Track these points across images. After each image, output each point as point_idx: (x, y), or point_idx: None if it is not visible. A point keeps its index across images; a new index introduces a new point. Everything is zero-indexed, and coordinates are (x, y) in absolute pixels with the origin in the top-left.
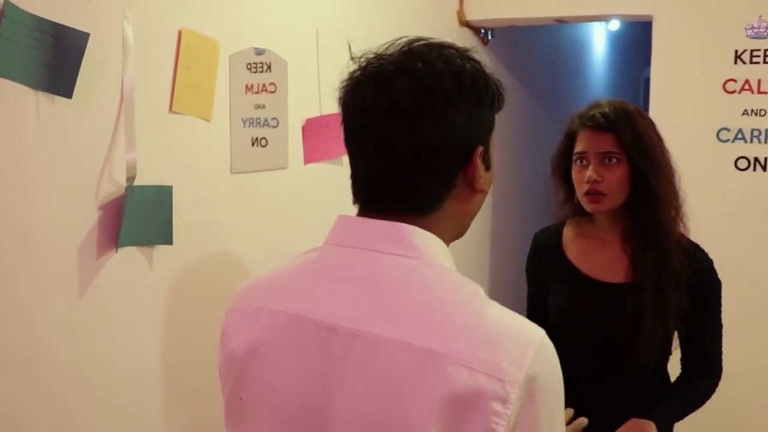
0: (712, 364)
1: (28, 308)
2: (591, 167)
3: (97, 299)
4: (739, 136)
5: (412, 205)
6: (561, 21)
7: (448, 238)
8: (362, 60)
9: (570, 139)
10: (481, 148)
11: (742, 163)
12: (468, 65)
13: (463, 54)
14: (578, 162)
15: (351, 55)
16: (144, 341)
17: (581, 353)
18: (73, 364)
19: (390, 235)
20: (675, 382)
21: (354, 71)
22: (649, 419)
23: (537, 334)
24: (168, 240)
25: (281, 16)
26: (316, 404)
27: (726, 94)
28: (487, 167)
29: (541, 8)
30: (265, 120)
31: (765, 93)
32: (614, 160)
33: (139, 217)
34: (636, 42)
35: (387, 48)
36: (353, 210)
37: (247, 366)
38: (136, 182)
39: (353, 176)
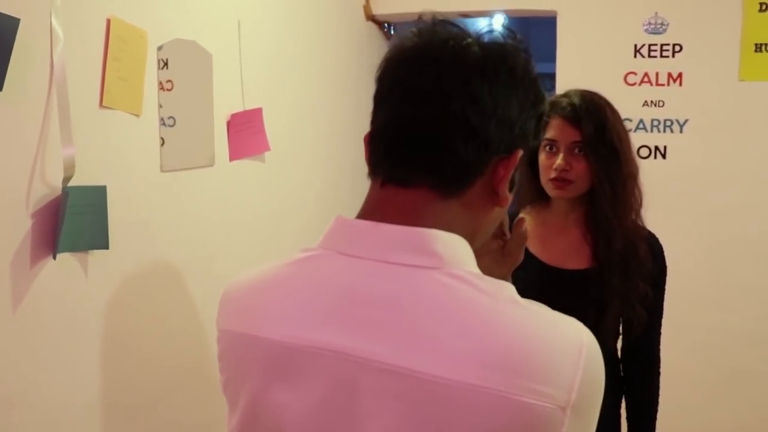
0: (653, 348)
1: None
2: (561, 156)
3: (32, 314)
4: (641, 126)
5: (440, 176)
6: (466, 15)
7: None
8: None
9: None
10: (521, 153)
11: (644, 152)
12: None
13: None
14: (547, 148)
15: None
16: (86, 356)
17: None
18: (10, 387)
19: (409, 243)
20: (631, 393)
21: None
22: None
23: (582, 339)
24: (104, 244)
25: (205, 5)
26: None
27: (627, 86)
28: (512, 186)
29: (448, 3)
30: (161, 119)
31: (662, 85)
32: (582, 151)
33: (75, 220)
34: None
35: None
36: (282, 207)
37: (257, 410)
38: (70, 182)
39: (377, 133)
